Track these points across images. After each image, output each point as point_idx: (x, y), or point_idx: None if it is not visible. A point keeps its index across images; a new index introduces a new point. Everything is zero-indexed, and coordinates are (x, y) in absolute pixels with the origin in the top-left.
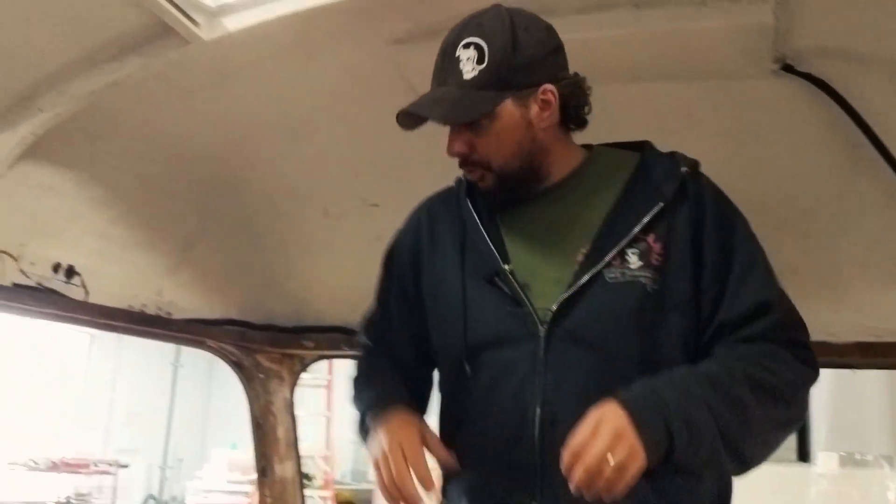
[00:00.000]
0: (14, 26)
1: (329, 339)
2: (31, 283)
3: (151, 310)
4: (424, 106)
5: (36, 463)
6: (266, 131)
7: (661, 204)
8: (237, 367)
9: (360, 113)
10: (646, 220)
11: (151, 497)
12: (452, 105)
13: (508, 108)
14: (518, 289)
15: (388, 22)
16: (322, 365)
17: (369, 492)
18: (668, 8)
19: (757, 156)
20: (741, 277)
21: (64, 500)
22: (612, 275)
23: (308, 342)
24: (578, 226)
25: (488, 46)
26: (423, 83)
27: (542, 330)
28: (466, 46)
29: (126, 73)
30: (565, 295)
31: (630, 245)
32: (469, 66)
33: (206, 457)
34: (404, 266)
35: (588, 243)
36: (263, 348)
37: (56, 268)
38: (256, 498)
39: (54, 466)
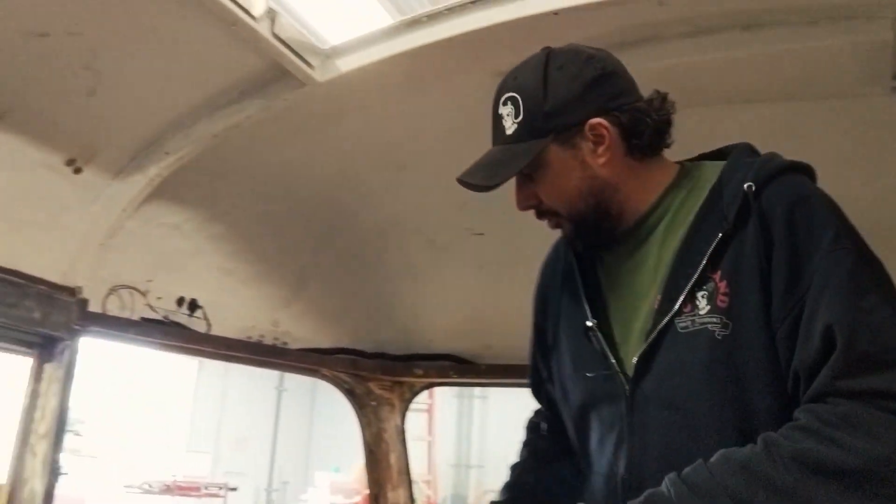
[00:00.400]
0: (145, 76)
1: (437, 366)
2: (158, 317)
3: (269, 340)
4: (470, 173)
5: (150, 486)
6: (375, 166)
7: (720, 234)
8: (350, 394)
9: (466, 144)
10: (707, 254)
11: None
12: (492, 167)
13: (555, 153)
14: (605, 345)
15: (494, 55)
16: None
17: None
18: (777, 29)
19: (875, 175)
20: (814, 307)
21: None
22: (682, 324)
23: (417, 370)
24: (657, 268)
25: (521, 97)
26: None
27: (627, 389)
28: (505, 103)
29: (246, 115)
30: (641, 350)
31: (699, 287)
32: (509, 122)
33: (309, 480)
34: (537, 315)
35: (662, 289)
36: (375, 376)
37: (180, 302)
38: None
39: (167, 489)
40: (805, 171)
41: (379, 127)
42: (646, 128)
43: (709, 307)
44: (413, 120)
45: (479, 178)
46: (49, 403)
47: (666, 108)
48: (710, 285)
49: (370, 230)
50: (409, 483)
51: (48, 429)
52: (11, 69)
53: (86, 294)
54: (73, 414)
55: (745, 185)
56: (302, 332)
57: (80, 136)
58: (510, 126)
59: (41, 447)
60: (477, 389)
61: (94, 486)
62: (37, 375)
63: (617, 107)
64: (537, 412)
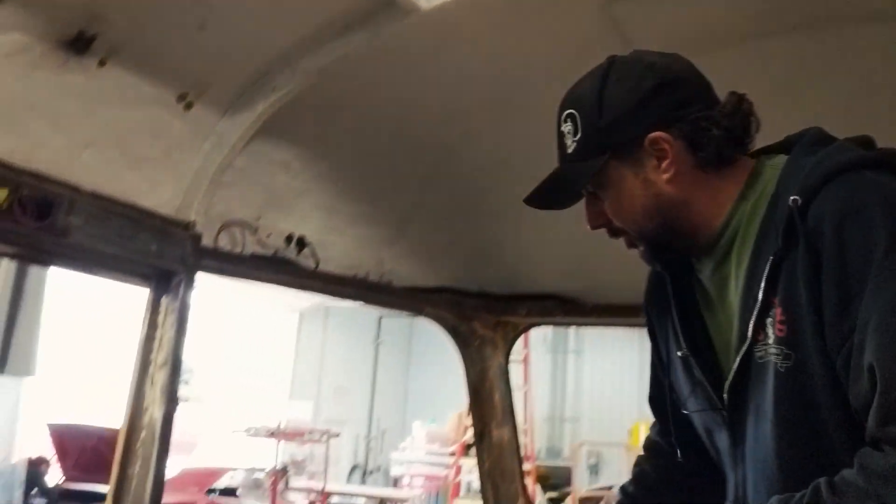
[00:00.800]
0: (253, 9)
1: (541, 306)
2: (268, 253)
3: (374, 278)
4: (535, 193)
5: (256, 431)
6: (481, 101)
7: (771, 258)
8: (454, 333)
9: (574, 79)
10: (763, 278)
11: (357, 466)
12: (555, 188)
13: (616, 170)
14: (701, 376)
15: None
16: (518, 339)
17: (567, 469)
18: None
19: None
20: (861, 340)
21: (281, 467)
22: (759, 353)
23: (521, 309)
24: (738, 289)
25: (579, 115)
26: (641, 38)
27: (727, 419)
28: (565, 120)
29: (351, 47)
30: (728, 382)
31: (765, 313)
32: (569, 140)
33: (407, 429)
34: (650, 328)
35: (738, 315)
36: (478, 315)
37: (289, 239)
38: (455, 469)
39: (272, 435)
40: (875, 163)
41: (484, 60)
42: (713, 138)
43: (772, 337)
44: (519, 52)
45: (543, 200)
46: (166, 334)
47: (741, 111)
48: (772, 312)
49: (475, 168)
50: (514, 422)
51: (166, 358)
52: (123, 4)
53: (198, 229)
54: (183, 364)
55: (791, 199)
56: (406, 271)
57: (190, 72)
58: (570, 144)
59: (160, 376)
60: (572, 343)
61: (203, 431)
62: (153, 308)
63: (681, 117)
64: (654, 428)
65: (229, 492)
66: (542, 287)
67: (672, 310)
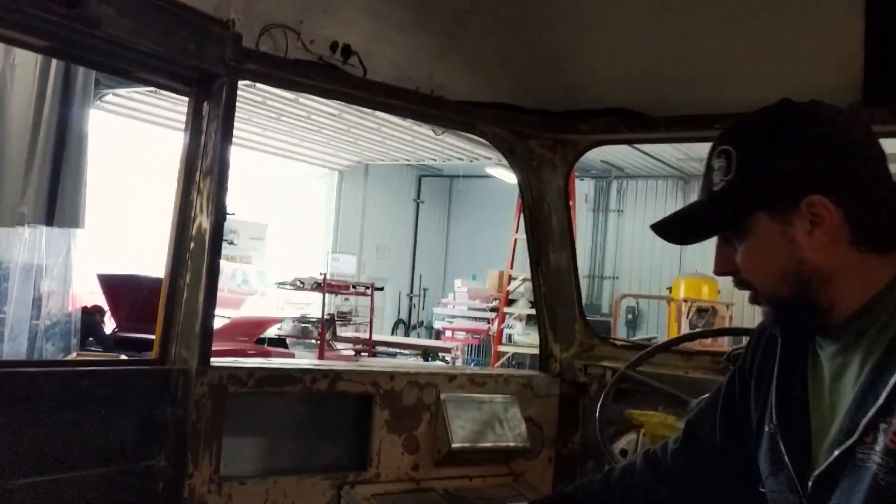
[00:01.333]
0: None
1: (606, 122)
2: (313, 58)
3: (425, 91)
4: (667, 223)
5: (302, 283)
6: None
7: None
8: (509, 153)
9: None
10: (891, 383)
11: (401, 322)
12: (691, 223)
13: (762, 224)
14: (784, 454)
15: None
16: None
17: (606, 323)
18: None
19: None
20: None
21: (328, 317)
22: (861, 455)
23: (583, 126)
24: (857, 380)
25: (737, 155)
26: None
27: None
28: (719, 155)
29: None
30: (818, 471)
31: (881, 417)
32: (718, 176)
33: (448, 286)
34: (737, 376)
35: (852, 409)
36: (536, 133)
37: (333, 47)
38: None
39: (318, 287)
40: None
41: None
42: (880, 219)
43: (881, 445)
44: None
45: (674, 232)
46: (210, 141)
47: None
48: (890, 420)
49: None
50: (572, 245)
51: (211, 166)
52: None
53: (238, 29)
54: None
55: None
56: (458, 86)
57: None
58: (718, 182)
59: (206, 185)
60: (613, 202)
61: (250, 288)
62: (195, 114)
63: (849, 186)
64: (662, 448)
65: (279, 341)
66: (607, 101)
67: (773, 380)
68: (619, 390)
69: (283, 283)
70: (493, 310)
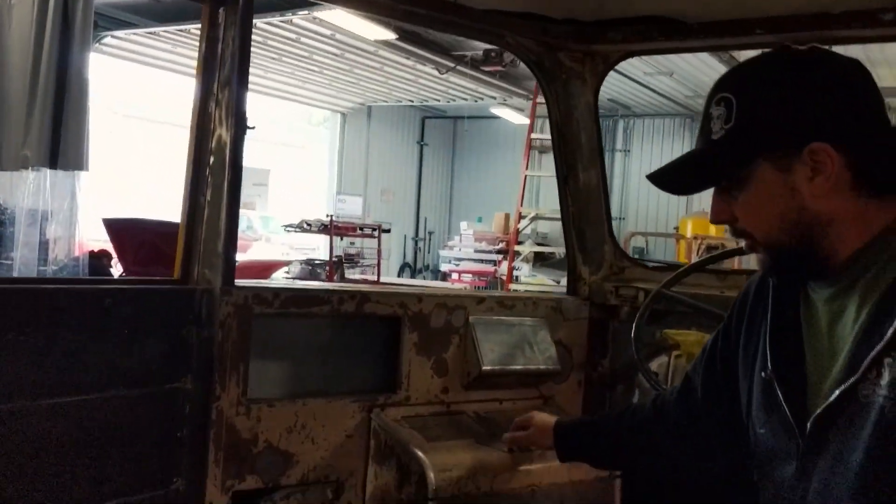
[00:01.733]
0: None
1: (639, 31)
2: None
3: None
4: (664, 171)
5: (309, 225)
6: None
7: None
8: (537, 67)
9: None
10: (894, 325)
11: (407, 265)
12: (689, 171)
13: (762, 172)
14: (782, 399)
15: None
16: None
17: None
18: None
19: None
20: None
21: (335, 259)
22: (865, 391)
23: (614, 35)
24: (857, 322)
25: (737, 102)
26: None
27: (800, 450)
28: (718, 103)
29: None
30: (817, 412)
31: (887, 353)
32: (717, 124)
33: (454, 229)
34: (729, 325)
35: (852, 348)
36: (565, 45)
37: None
38: (507, 264)
39: (325, 229)
40: None
41: None
42: (880, 166)
43: (889, 378)
44: None
45: (672, 180)
46: (228, 49)
47: None
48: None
49: None
50: (601, 164)
51: (229, 76)
52: None
53: None
54: None
55: None
56: None
57: None
58: (718, 130)
59: (224, 95)
60: (619, 142)
61: (255, 232)
62: (211, 21)
63: (851, 133)
64: (670, 393)
65: None
66: (639, 8)
67: (765, 328)
68: (652, 312)
69: (290, 226)
70: (499, 252)
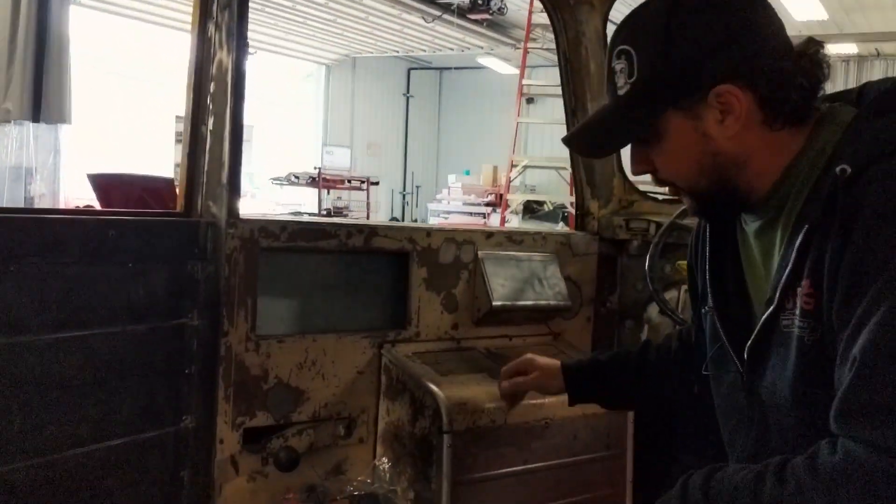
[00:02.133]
0: None
1: None
2: None
3: None
4: (578, 134)
5: (297, 178)
6: None
7: (806, 226)
8: None
9: None
10: (795, 247)
11: (395, 219)
12: (601, 132)
13: (672, 122)
14: (721, 332)
15: None
16: None
17: None
18: None
19: None
20: (852, 336)
21: (324, 212)
22: (785, 321)
23: None
24: (779, 252)
25: (637, 55)
26: None
27: (743, 379)
28: (618, 56)
29: None
30: (748, 344)
31: (795, 283)
32: (622, 79)
33: (442, 183)
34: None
35: (771, 280)
36: None
37: None
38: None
39: (313, 182)
40: None
41: None
42: (789, 96)
43: (799, 308)
44: None
45: (586, 144)
46: None
47: (818, 63)
48: (801, 283)
49: None
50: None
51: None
52: None
53: None
54: None
55: (838, 168)
56: None
57: None
58: (623, 85)
59: (224, 17)
60: None
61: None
62: None
63: (755, 69)
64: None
65: None
66: None
67: (706, 263)
68: (664, 245)
69: (278, 179)
70: (488, 204)
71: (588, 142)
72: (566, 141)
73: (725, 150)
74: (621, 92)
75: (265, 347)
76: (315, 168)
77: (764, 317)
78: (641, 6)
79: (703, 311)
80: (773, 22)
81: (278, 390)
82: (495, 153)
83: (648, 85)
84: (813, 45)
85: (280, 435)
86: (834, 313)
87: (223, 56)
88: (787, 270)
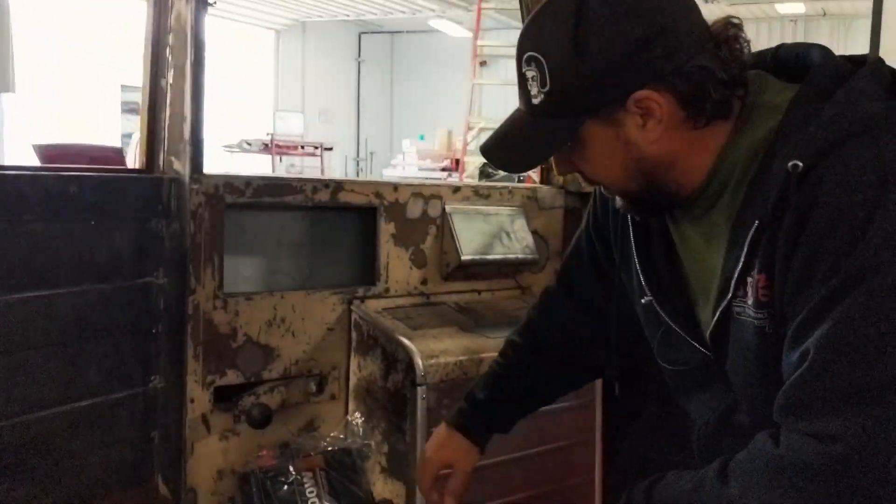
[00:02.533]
0: None
1: None
2: None
3: None
4: (495, 147)
5: (249, 145)
6: None
7: (757, 222)
8: None
9: None
10: (747, 240)
11: None
12: (518, 146)
13: (594, 130)
14: (676, 326)
15: None
16: None
17: None
18: None
19: None
20: (796, 333)
21: None
22: (738, 308)
23: None
24: (722, 241)
25: (547, 63)
26: None
27: (700, 359)
28: (528, 63)
29: None
30: (709, 331)
31: (748, 272)
32: (535, 88)
33: (396, 148)
34: (596, 215)
35: (721, 268)
36: None
37: None
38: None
39: (266, 148)
40: None
41: None
42: (710, 93)
43: (752, 299)
44: None
45: (506, 160)
46: None
47: (738, 50)
48: (755, 275)
49: None
50: None
51: None
52: None
53: None
54: None
55: (790, 164)
56: None
57: None
58: (537, 94)
59: None
60: None
61: None
62: None
63: (672, 70)
64: (560, 283)
65: None
66: None
67: (635, 254)
68: None
69: (230, 146)
70: (443, 169)
71: (507, 157)
72: (484, 151)
73: (650, 154)
74: (536, 101)
75: (233, 305)
76: (268, 134)
77: (720, 308)
78: (545, 8)
79: (642, 301)
80: (688, 14)
81: (248, 348)
82: (450, 118)
83: (563, 97)
84: (731, 28)
85: (251, 393)
86: (785, 303)
87: (181, 7)
88: (740, 265)
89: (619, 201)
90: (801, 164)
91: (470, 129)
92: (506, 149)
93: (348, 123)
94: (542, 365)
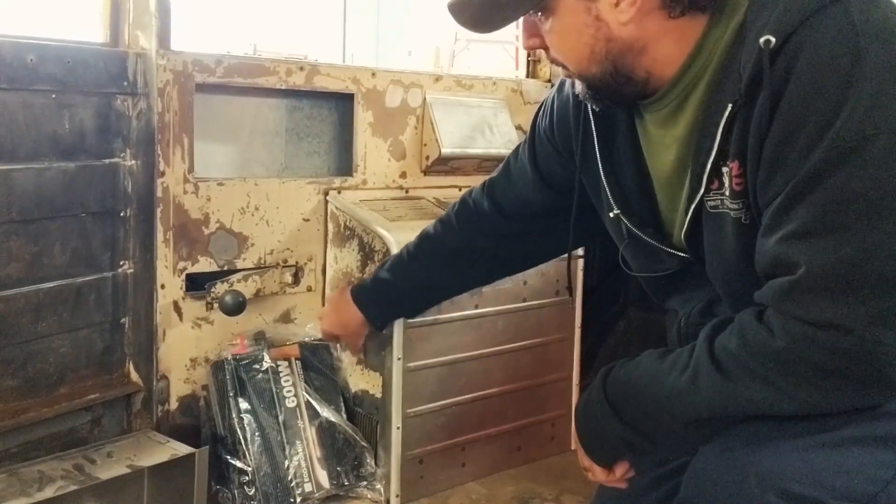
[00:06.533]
0: None
1: None
2: None
3: None
4: (458, 7)
5: None
6: None
7: (730, 105)
8: None
9: None
10: (720, 127)
11: None
12: (483, 5)
13: (566, 2)
14: (644, 236)
15: None
16: None
17: None
18: None
19: None
20: (778, 214)
21: None
22: (711, 202)
23: None
24: (692, 136)
25: None
26: None
27: (676, 263)
28: None
29: None
30: (683, 231)
31: (722, 162)
32: None
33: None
34: (550, 136)
35: (692, 163)
36: None
37: None
38: None
39: None
40: None
41: None
42: None
43: (729, 189)
44: None
45: (471, 17)
46: None
47: None
48: (729, 164)
49: None
50: None
51: None
52: None
53: None
54: None
55: (762, 40)
56: None
57: None
58: None
59: None
60: None
61: None
62: None
63: None
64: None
65: None
66: None
67: (598, 163)
68: None
69: None
70: None
71: (474, 14)
72: (451, 7)
73: (620, 36)
74: None
75: (204, 190)
76: (252, 45)
77: (694, 203)
78: None
79: (609, 215)
80: None
81: (220, 235)
82: (436, 35)
83: None
84: None
85: (225, 280)
86: (759, 186)
87: None
88: (713, 154)
89: (578, 86)
90: (773, 38)
91: (457, 41)
92: (473, 7)
93: (334, 38)
94: (451, 264)
